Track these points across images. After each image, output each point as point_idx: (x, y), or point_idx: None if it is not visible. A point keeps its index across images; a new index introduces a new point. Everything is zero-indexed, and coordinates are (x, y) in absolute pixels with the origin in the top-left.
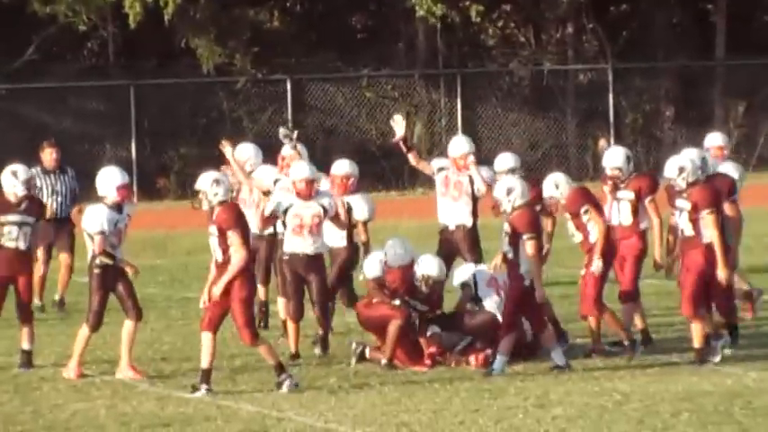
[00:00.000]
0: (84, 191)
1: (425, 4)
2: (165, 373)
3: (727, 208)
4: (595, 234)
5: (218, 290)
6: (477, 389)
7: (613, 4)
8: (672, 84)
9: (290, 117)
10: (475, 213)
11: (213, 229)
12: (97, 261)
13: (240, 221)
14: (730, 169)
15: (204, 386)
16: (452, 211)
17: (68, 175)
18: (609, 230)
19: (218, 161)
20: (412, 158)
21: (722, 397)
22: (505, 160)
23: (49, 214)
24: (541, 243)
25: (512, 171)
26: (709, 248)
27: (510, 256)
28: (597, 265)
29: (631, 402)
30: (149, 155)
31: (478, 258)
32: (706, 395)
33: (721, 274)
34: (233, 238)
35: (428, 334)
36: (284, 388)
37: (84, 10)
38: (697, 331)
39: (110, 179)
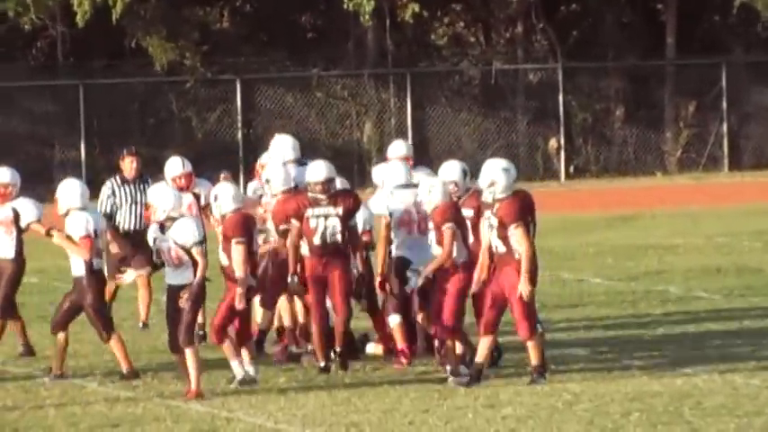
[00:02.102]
0: (31, 191)
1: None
2: (115, 373)
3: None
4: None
5: None
6: (427, 389)
7: (563, 4)
8: (622, 83)
9: (239, 117)
10: None
11: None
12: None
13: None
14: (423, 177)
15: None
16: None
17: (149, 185)
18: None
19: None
20: None
21: (672, 397)
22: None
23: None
24: (250, 249)
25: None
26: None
27: (225, 263)
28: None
29: (581, 402)
30: (98, 155)
31: None
32: (656, 395)
33: (523, 289)
34: None
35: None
36: None
37: (32, 8)
38: (534, 348)
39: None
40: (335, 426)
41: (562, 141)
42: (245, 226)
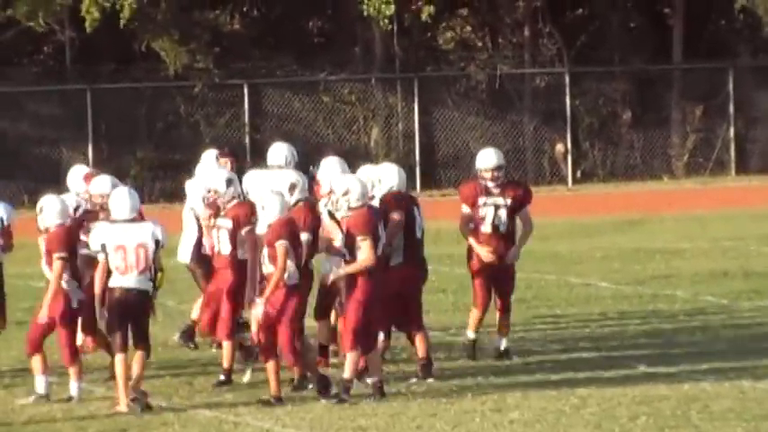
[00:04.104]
0: (39, 195)
1: (375, 4)
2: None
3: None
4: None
5: None
6: (434, 393)
7: (570, 8)
8: (629, 87)
9: (247, 121)
10: None
11: None
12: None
13: None
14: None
15: None
16: None
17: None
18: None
19: (176, 165)
20: None
21: (679, 401)
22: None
23: None
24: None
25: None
26: (366, 275)
27: (48, 276)
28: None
29: (589, 406)
30: (106, 159)
31: None
32: (663, 399)
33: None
34: None
35: None
36: None
37: (42, 13)
38: (371, 360)
39: None
40: (343, 430)
41: (569, 145)
42: (68, 241)
